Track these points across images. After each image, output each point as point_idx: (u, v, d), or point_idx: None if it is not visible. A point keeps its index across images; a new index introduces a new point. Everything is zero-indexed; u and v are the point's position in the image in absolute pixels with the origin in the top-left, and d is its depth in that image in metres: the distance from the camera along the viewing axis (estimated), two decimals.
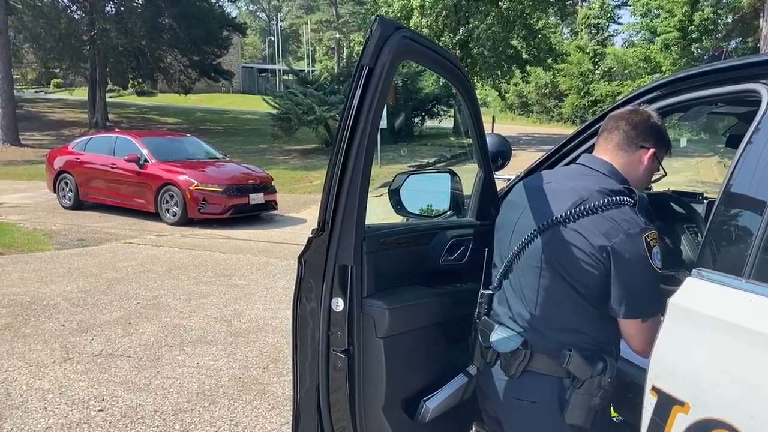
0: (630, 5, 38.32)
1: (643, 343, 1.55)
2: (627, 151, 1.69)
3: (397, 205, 2.30)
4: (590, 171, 1.69)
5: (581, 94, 38.09)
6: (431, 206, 2.46)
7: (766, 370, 1.21)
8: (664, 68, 31.75)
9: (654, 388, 1.43)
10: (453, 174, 2.40)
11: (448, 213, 2.36)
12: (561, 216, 1.58)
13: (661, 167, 1.76)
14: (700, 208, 2.37)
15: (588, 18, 41.96)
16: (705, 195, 2.48)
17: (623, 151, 1.69)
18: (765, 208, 1.34)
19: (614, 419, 1.98)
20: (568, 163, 2.18)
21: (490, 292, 1.75)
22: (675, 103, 1.87)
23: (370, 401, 1.79)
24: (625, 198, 1.57)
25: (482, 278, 1.82)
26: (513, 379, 1.64)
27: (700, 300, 1.40)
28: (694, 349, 1.37)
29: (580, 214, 1.55)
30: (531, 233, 1.63)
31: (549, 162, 2.28)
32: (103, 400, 3.66)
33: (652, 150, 1.69)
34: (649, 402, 1.44)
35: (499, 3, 24.91)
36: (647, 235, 1.52)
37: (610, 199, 1.56)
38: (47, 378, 3.95)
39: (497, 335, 1.66)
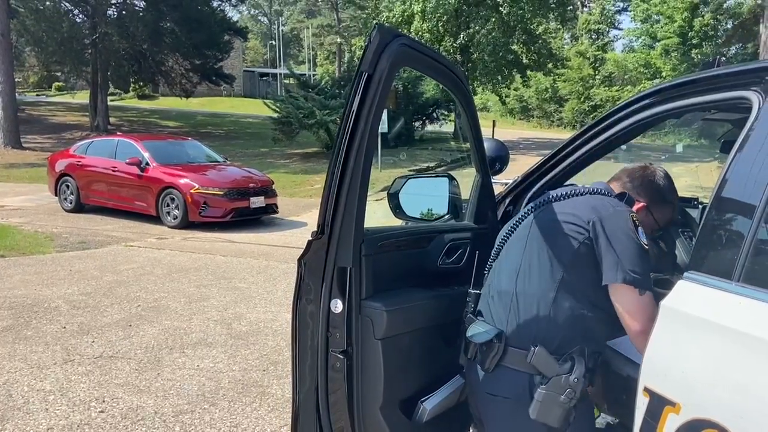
0: (630, 11, 38.47)
1: (643, 320, 1.53)
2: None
3: (396, 208, 2.33)
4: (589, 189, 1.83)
5: (581, 99, 38.21)
6: (430, 210, 2.48)
7: (755, 372, 1.24)
8: (664, 73, 31.86)
9: (646, 389, 1.46)
10: (451, 178, 2.43)
11: (446, 217, 2.39)
12: (550, 197, 1.74)
13: (656, 222, 1.86)
14: (694, 213, 2.39)
15: (588, 23, 42.12)
16: (699, 200, 2.51)
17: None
18: (755, 212, 1.36)
19: (609, 420, 2.01)
20: (565, 167, 2.22)
21: (478, 291, 1.83)
22: (668, 109, 1.90)
23: (368, 402, 1.81)
24: (612, 196, 1.77)
25: (472, 279, 1.86)
26: (488, 373, 1.68)
27: (691, 302, 1.43)
28: (686, 350, 1.40)
29: (569, 195, 1.73)
30: (524, 212, 1.78)
31: (546, 166, 2.31)
32: (103, 401, 3.68)
33: (642, 204, 1.82)
34: (642, 402, 1.47)
35: (500, 8, 24.98)
36: (633, 215, 1.65)
37: (598, 191, 1.76)
38: (48, 380, 3.97)
39: (474, 328, 1.72)
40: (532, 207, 1.77)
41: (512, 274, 1.70)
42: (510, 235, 1.79)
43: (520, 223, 1.78)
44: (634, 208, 1.77)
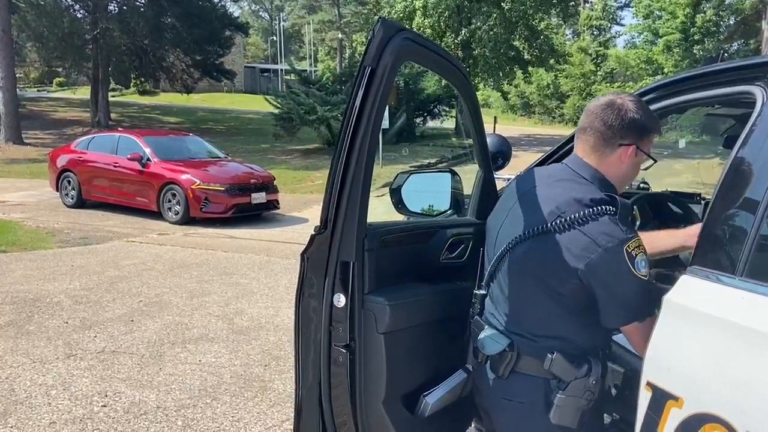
0: (632, 7, 38.36)
1: (644, 342, 1.53)
2: (604, 152, 1.63)
3: (399, 204, 2.33)
4: (572, 175, 1.64)
5: (583, 95, 38.11)
6: (432, 205, 2.48)
7: (757, 366, 1.23)
8: (666, 70, 31.75)
9: (649, 384, 1.45)
10: (453, 173, 2.43)
11: (449, 212, 2.38)
12: (539, 228, 1.55)
13: (649, 156, 1.67)
14: (697, 209, 2.39)
15: (590, 19, 42.02)
16: (702, 196, 2.51)
17: (599, 152, 1.63)
18: (758, 207, 1.36)
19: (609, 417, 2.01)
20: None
21: (483, 292, 1.76)
22: (672, 104, 1.89)
23: (371, 396, 1.81)
24: (605, 207, 1.51)
25: (477, 278, 1.85)
26: (501, 379, 1.65)
27: (694, 297, 1.42)
28: (688, 345, 1.39)
29: (558, 229, 1.52)
30: (510, 242, 1.63)
31: (547, 163, 2.30)
32: (106, 396, 3.69)
33: (632, 147, 1.61)
34: (644, 397, 1.46)
35: (502, 4, 24.94)
36: (628, 246, 1.48)
37: (588, 210, 1.51)
38: (51, 374, 3.98)
39: (484, 337, 1.67)
40: (520, 236, 1.59)
41: (515, 301, 1.64)
42: (501, 262, 1.67)
43: (507, 254, 1.64)
44: (626, 154, 1.61)
